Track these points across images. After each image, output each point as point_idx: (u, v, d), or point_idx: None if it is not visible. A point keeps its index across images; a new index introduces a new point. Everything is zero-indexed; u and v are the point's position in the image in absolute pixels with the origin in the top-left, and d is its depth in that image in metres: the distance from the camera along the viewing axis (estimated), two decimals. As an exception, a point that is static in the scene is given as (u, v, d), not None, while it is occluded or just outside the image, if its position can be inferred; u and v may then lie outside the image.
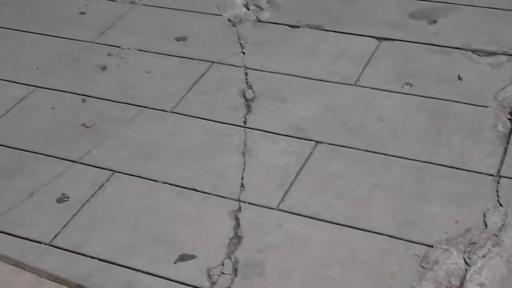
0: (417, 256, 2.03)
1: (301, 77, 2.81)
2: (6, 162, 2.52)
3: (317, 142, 2.48)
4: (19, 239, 2.22)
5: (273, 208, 2.24)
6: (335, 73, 2.81)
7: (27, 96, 2.83)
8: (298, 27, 3.11)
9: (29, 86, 2.88)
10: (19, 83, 2.90)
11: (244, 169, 2.40)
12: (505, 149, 2.36)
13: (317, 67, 2.85)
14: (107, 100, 2.78)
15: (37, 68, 2.98)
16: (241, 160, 2.44)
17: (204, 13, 3.27)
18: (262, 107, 2.68)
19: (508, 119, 2.48)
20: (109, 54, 3.04)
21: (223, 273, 2.05)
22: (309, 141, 2.49)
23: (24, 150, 2.57)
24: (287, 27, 3.12)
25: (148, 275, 2.07)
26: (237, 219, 2.21)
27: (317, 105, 2.66)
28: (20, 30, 3.23)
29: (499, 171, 2.27)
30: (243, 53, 2.98)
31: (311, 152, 2.44)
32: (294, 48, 2.98)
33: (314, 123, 2.57)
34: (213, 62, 2.95)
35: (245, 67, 2.90)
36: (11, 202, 2.34)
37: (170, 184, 2.38)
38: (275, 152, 2.46)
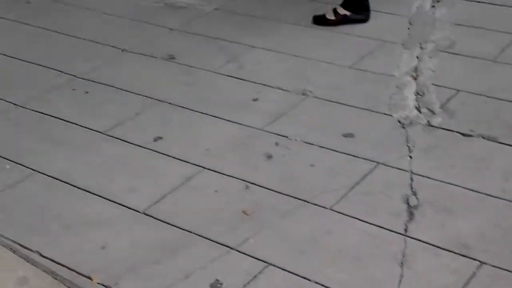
0: None
1: (470, 189, 2.70)
2: (166, 239, 2.60)
3: (482, 262, 2.35)
4: (170, 320, 2.26)
5: (428, 329, 2.13)
6: (507, 191, 2.67)
7: (194, 176, 2.93)
8: (471, 136, 3.01)
9: (197, 167, 2.98)
10: (188, 162, 3.01)
11: (400, 281, 2.31)
12: None
13: (487, 182, 2.73)
14: (269, 189, 2.81)
15: (207, 150, 3.09)
16: (398, 271, 2.36)
17: (374, 111, 3.26)
18: (425, 216, 2.59)
19: None
20: (276, 143, 3.09)
21: None
22: (473, 260, 2.36)
23: (184, 230, 2.64)
24: (459, 135, 3.03)
25: None
26: (389, 334, 2.13)
27: (484, 222, 2.53)
28: (196, 111, 3.38)
29: None
30: (410, 157, 2.92)
31: (474, 273, 2.31)
32: (465, 158, 2.89)
33: (480, 241, 2.44)
34: (378, 163, 2.91)
35: (411, 172, 2.83)
36: (166, 282, 2.40)
37: (322, 285, 2.33)
38: (435, 267, 2.36)
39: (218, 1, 4.50)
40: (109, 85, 3.64)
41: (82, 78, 3.72)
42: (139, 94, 3.54)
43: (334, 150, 3.02)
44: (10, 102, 3.53)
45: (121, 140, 3.19)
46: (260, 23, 4.20)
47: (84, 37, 4.16)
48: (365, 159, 2.95)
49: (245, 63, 3.78)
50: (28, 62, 3.92)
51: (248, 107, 3.40)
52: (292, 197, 2.76)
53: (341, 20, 4.03)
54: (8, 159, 3.09)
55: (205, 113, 3.35)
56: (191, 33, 4.14)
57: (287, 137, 3.13)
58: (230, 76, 3.66)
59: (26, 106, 3.50)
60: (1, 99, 3.56)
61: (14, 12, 4.56)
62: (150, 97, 3.51)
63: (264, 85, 3.56)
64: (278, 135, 3.15)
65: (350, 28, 4.00)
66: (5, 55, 4.02)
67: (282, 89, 3.51)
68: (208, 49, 3.95)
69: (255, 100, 3.45)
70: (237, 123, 3.27)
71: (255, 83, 3.58)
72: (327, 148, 3.04)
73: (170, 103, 3.45)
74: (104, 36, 4.16)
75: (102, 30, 4.25)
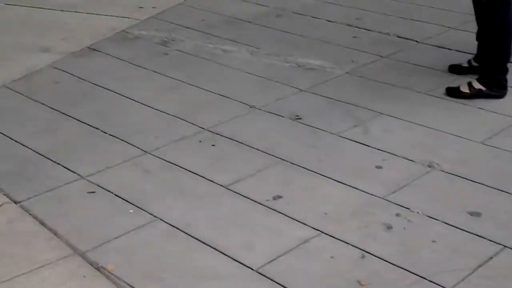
0: None
1: None
2: (278, 301, 2.57)
3: None
4: None
5: None
6: None
7: (310, 239, 2.89)
8: None
9: (314, 230, 2.94)
10: (306, 224, 2.98)
11: None
12: None
13: None
14: (386, 261, 2.73)
15: (326, 214, 3.05)
16: None
17: (503, 191, 3.12)
18: (553, 309, 2.43)
19: None
20: (397, 214, 3.01)
21: None
22: None
23: (296, 293, 2.60)
24: None
25: None
26: None
27: None
28: (318, 173, 3.35)
29: None
30: (539, 243, 2.76)
31: None
32: None
33: None
34: (505, 247, 2.77)
35: (540, 259, 2.67)
36: None
37: None
38: None
39: (349, 66, 4.51)
40: (234, 140, 3.70)
41: (209, 131, 3.80)
42: (262, 152, 3.57)
43: (458, 228, 2.90)
44: (139, 148, 3.65)
45: (242, 195, 3.21)
46: (390, 90, 4.16)
47: (215, 91, 4.27)
48: (491, 240, 2.81)
49: (371, 129, 3.73)
50: (159, 111, 4.06)
51: (371, 174, 3.34)
52: (410, 272, 2.67)
53: (475, 94, 3.92)
54: (132, 204, 3.18)
55: (327, 176, 3.32)
56: (319, 95, 4.16)
57: (409, 209, 3.04)
58: (355, 141, 3.63)
59: (153, 153, 3.61)
60: (131, 145, 3.69)
61: (153, 63, 4.76)
62: (273, 155, 3.52)
63: (389, 153, 3.49)
64: (400, 206, 3.07)
65: (484, 103, 3.89)
66: (139, 102, 4.18)
67: (407, 159, 3.43)
68: (335, 112, 3.95)
69: (378, 167, 3.38)
70: (358, 189, 3.21)
71: (380, 150, 3.53)
72: (450, 225, 2.92)
73: (292, 163, 3.45)
74: (235, 91, 4.25)
75: (233, 86, 4.35)
